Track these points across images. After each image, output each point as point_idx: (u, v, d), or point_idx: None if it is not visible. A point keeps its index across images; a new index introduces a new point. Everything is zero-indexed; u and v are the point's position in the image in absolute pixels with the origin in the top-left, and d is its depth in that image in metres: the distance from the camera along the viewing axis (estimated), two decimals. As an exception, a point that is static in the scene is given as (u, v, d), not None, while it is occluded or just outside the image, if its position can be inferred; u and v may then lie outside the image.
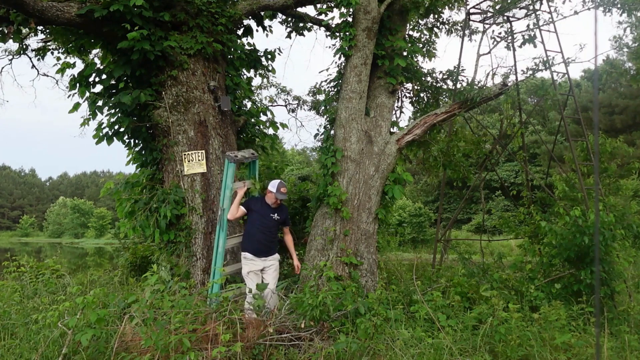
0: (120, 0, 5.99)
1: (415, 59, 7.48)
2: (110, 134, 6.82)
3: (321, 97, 9.10)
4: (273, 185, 5.75)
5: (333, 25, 7.30)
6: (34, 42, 9.29)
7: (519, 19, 9.46)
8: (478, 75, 9.98)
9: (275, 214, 5.80)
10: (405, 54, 6.97)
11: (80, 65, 9.61)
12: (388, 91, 6.84)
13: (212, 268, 5.73)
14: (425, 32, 8.91)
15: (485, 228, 16.41)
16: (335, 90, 7.59)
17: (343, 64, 7.13)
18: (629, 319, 5.75)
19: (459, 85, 8.45)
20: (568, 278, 6.24)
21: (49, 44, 8.25)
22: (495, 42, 9.50)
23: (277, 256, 5.87)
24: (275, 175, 8.46)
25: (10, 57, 9.45)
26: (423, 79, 8.30)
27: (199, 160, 6.49)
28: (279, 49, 8.38)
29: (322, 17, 7.69)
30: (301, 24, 8.96)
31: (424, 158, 7.76)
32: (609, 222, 6.16)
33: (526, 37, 8.77)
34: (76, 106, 6.79)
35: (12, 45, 9.12)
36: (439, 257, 9.85)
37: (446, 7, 8.52)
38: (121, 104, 6.41)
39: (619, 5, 8.46)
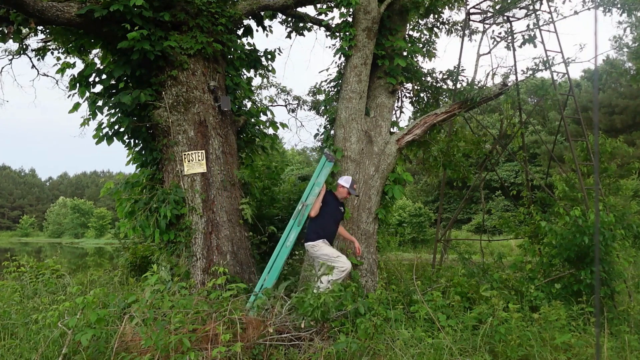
0: (120, 0, 5.99)
1: (415, 59, 7.49)
2: (110, 134, 6.82)
3: (321, 97, 9.10)
4: (347, 181, 5.88)
5: (333, 25, 7.30)
6: (34, 42, 9.30)
7: (519, 19, 9.46)
8: (478, 75, 9.98)
9: (342, 207, 6.00)
10: (405, 54, 6.97)
11: (80, 65, 9.62)
12: (388, 91, 6.84)
13: (272, 264, 5.60)
14: (425, 32, 8.92)
15: (485, 228, 16.41)
16: (335, 90, 7.59)
17: (343, 64, 7.14)
18: (629, 319, 5.75)
19: (459, 85, 8.45)
20: (568, 278, 6.24)
21: (49, 44, 8.25)
22: (495, 42, 9.51)
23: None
24: (275, 175, 8.46)
25: (10, 57, 9.45)
26: (423, 79, 8.30)
27: (199, 160, 6.49)
28: (279, 49, 8.38)
29: (322, 17, 7.69)
30: (301, 24, 8.96)
31: (424, 158, 7.76)
32: (609, 222, 6.16)
33: (526, 37, 8.78)
34: (76, 106, 6.79)
35: (12, 45, 9.12)
36: (439, 257, 9.85)
37: (446, 7, 8.52)
38: (121, 104, 6.41)
39: (619, 5, 8.46)
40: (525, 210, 9.43)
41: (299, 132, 39.56)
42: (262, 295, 5.23)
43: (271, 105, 11.45)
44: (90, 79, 6.81)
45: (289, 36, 9.08)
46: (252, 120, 7.85)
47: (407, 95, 8.45)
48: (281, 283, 5.69)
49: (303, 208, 5.72)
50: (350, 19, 6.70)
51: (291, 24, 9.01)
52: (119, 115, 6.73)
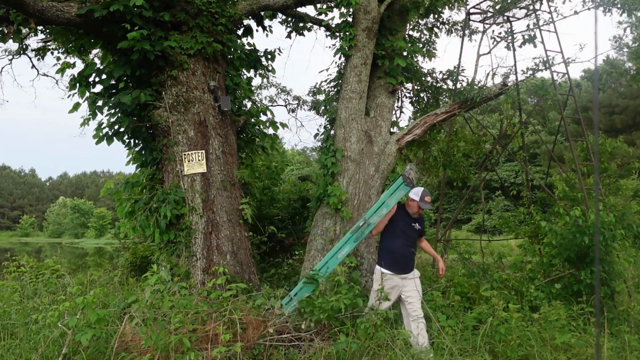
0: (120, 0, 5.99)
1: (415, 59, 7.49)
2: (110, 134, 6.82)
3: (321, 97, 9.10)
4: (416, 194, 5.14)
5: (333, 25, 7.30)
6: (34, 42, 9.28)
7: (519, 19, 9.46)
8: (478, 75, 9.99)
9: (417, 224, 5.24)
10: (405, 54, 6.97)
11: (80, 65, 9.61)
12: (388, 91, 6.84)
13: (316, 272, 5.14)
14: (425, 32, 8.92)
15: (485, 228, 16.39)
16: (335, 90, 7.59)
17: (343, 64, 7.14)
18: (629, 319, 5.75)
19: (459, 85, 8.46)
20: (568, 278, 6.24)
21: (49, 44, 8.24)
22: (495, 42, 9.51)
23: (417, 273, 5.17)
24: (275, 175, 8.46)
25: (10, 57, 9.44)
26: (423, 79, 8.30)
27: (199, 160, 6.49)
28: (279, 49, 8.38)
29: (322, 17, 7.69)
30: (301, 24, 8.95)
31: (424, 158, 7.76)
32: (609, 222, 6.16)
33: (526, 37, 8.78)
34: (76, 106, 6.79)
35: (12, 45, 9.12)
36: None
37: (446, 7, 8.52)
38: (121, 104, 6.40)
39: (619, 5, 8.45)
40: (525, 210, 9.43)
41: (299, 132, 39.62)
42: (294, 301, 4.95)
43: (271, 105, 11.46)
44: (90, 79, 6.81)
45: (289, 36, 9.08)
46: (252, 120, 7.85)
47: (407, 95, 8.46)
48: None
49: (364, 226, 5.11)
50: (350, 19, 6.70)
51: (291, 24, 9.00)
52: (119, 115, 6.72)
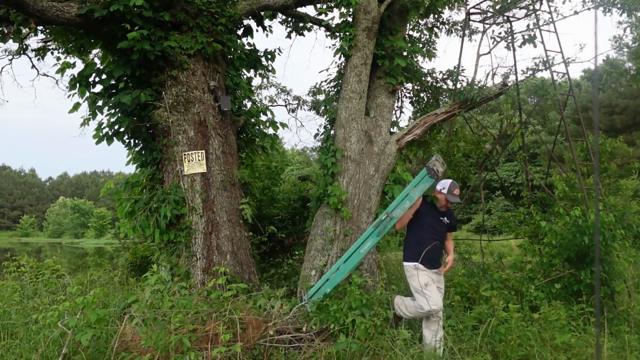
0: (120, 0, 5.99)
1: (415, 59, 7.49)
2: (110, 134, 6.82)
3: (321, 97, 9.10)
4: (444, 186, 4.89)
5: (333, 25, 7.30)
6: (34, 42, 9.28)
7: (519, 19, 9.46)
8: (478, 75, 9.98)
9: (445, 218, 5.01)
10: (405, 54, 6.97)
11: (80, 65, 9.61)
12: (388, 91, 6.84)
13: (337, 267, 5.03)
14: (425, 32, 8.92)
15: (485, 228, 16.39)
16: (335, 90, 7.59)
17: (343, 64, 7.14)
18: (629, 319, 5.75)
19: (459, 85, 8.45)
20: (568, 278, 6.24)
21: (49, 44, 8.24)
22: (495, 42, 9.50)
23: (442, 268, 4.98)
24: (275, 175, 8.46)
25: (10, 57, 9.44)
26: (423, 79, 8.30)
27: (199, 160, 6.49)
28: (279, 49, 8.38)
29: (322, 17, 7.69)
30: (301, 24, 8.95)
31: (424, 158, 7.76)
32: (609, 222, 6.16)
33: (526, 37, 8.77)
34: (76, 106, 6.79)
35: (12, 45, 9.12)
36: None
37: (446, 7, 8.52)
38: (121, 104, 6.41)
39: (619, 5, 8.45)
40: (525, 210, 9.43)
41: (299, 132, 39.61)
42: (313, 298, 4.89)
43: (271, 105, 11.46)
44: (90, 79, 6.81)
45: (289, 36, 9.08)
46: (252, 120, 7.85)
47: (407, 95, 8.46)
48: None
49: (387, 219, 4.89)
50: (350, 19, 6.70)
51: (291, 24, 9.00)
52: (119, 115, 6.72)
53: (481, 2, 9.71)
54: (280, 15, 8.73)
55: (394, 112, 7.12)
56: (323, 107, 7.92)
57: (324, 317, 4.65)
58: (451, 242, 5.24)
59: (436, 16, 8.97)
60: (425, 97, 8.61)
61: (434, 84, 8.58)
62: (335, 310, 4.62)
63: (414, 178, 5.03)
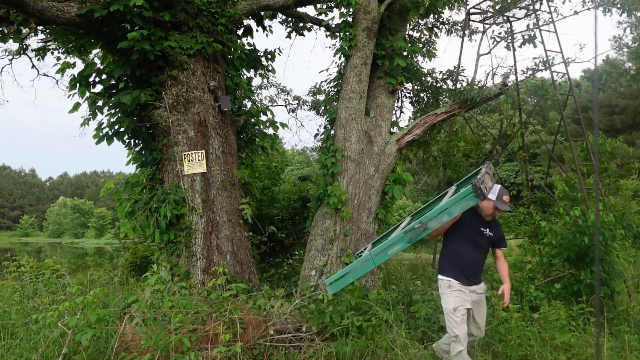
0: (120, 0, 5.99)
1: (415, 59, 7.48)
2: (110, 134, 6.82)
3: (321, 97, 9.10)
4: (493, 192, 4.28)
5: (333, 25, 7.30)
6: (34, 42, 9.27)
7: (519, 19, 9.46)
8: (478, 75, 9.99)
9: (488, 230, 4.40)
10: (405, 54, 6.97)
11: (80, 65, 9.60)
12: (388, 91, 6.84)
13: (358, 263, 4.76)
14: (425, 32, 8.91)
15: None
16: (335, 90, 7.59)
17: (343, 64, 7.14)
18: (629, 319, 5.76)
19: (459, 85, 8.45)
20: (568, 278, 6.24)
21: (49, 44, 8.24)
22: (495, 42, 9.51)
23: (484, 286, 4.44)
24: (275, 175, 8.45)
25: (10, 57, 9.44)
26: (423, 79, 8.30)
27: (199, 160, 6.49)
28: (279, 49, 8.38)
29: (322, 17, 7.69)
30: (301, 24, 8.95)
31: (424, 158, 7.77)
32: (609, 222, 6.16)
33: (526, 37, 8.77)
34: (76, 106, 6.79)
35: (12, 45, 9.11)
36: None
37: (446, 7, 8.51)
38: (121, 104, 6.41)
39: (619, 5, 8.46)
40: (525, 210, 9.43)
41: (299, 132, 39.56)
42: (329, 285, 4.68)
43: (271, 105, 11.45)
44: (90, 79, 6.80)
45: (289, 36, 9.08)
46: (252, 120, 7.85)
47: (407, 95, 8.45)
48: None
49: (420, 229, 4.38)
50: (350, 19, 6.69)
51: (291, 24, 9.00)
52: (119, 115, 6.72)
53: (481, 2, 9.71)
54: (280, 15, 8.73)
55: (394, 112, 7.12)
56: (323, 107, 7.92)
57: (322, 320, 4.64)
58: (504, 264, 4.52)
59: (436, 16, 8.97)
60: (425, 97, 8.61)
61: (434, 84, 8.58)
62: (331, 312, 4.61)
63: (458, 192, 4.46)
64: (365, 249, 5.49)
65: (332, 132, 6.83)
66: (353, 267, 4.75)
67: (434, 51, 8.39)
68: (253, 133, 7.91)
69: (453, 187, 4.86)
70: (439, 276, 4.38)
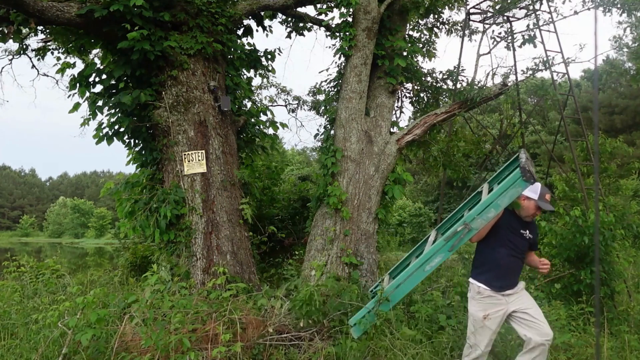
0: (120, 0, 5.99)
1: (415, 59, 7.49)
2: (110, 134, 6.82)
3: (321, 97, 9.09)
4: (534, 191, 3.92)
5: (333, 25, 7.30)
6: (34, 42, 9.27)
7: (519, 19, 9.46)
8: (478, 75, 9.96)
9: (528, 232, 4.04)
10: (405, 54, 6.97)
11: (80, 65, 9.59)
12: (388, 91, 6.84)
13: (398, 283, 4.39)
14: (425, 32, 8.91)
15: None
16: (335, 90, 7.59)
17: (343, 64, 7.13)
18: (629, 319, 5.76)
19: (459, 85, 8.45)
20: (568, 278, 6.24)
21: (49, 44, 8.24)
22: (495, 42, 9.50)
23: (523, 283, 4.06)
24: (275, 175, 8.45)
25: (10, 57, 9.43)
26: (423, 79, 8.30)
27: (199, 160, 6.50)
28: (279, 49, 8.38)
29: (322, 17, 7.69)
30: (301, 24, 8.95)
31: (424, 158, 7.76)
32: (609, 222, 6.17)
33: (526, 37, 8.77)
34: (76, 106, 6.79)
35: (12, 45, 9.11)
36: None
37: (446, 7, 8.51)
38: (121, 104, 6.41)
39: (619, 5, 8.45)
40: (525, 210, 9.41)
41: (299, 132, 39.57)
42: (372, 314, 4.37)
43: (271, 105, 11.45)
44: (90, 79, 6.81)
45: (289, 36, 9.08)
46: (252, 120, 7.85)
47: (407, 95, 8.45)
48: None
49: (464, 231, 4.03)
50: (350, 19, 6.69)
51: (291, 24, 9.00)
52: (119, 115, 6.72)
53: (481, 2, 9.71)
54: (280, 15, 8.73)
55: (394, 112, 7.12)
56: (323, 107, 7.92)
57: (296, 308, 4.63)
58: (535, 257, 4.23)
59: (436, 16, 8.96)
60: (425, 97, 8.61)
61: (434, 84, 8.58)
62: (300, 295, 4.60)
63: (503, 181, 4.07)
64: (380, 282, 5.10)
65: (332, 132, 6.83)
66: (387, 293, 4.33)
67: (434, 51, 8.40)
68: (253, 133, 7.91)
69: (485, 185, 4.60)
70: (470, 280, 4.06)
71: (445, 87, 8.67)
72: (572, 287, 6.07)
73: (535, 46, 8.62)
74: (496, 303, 3.87)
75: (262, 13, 8.20)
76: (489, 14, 9.70)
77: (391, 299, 4.38)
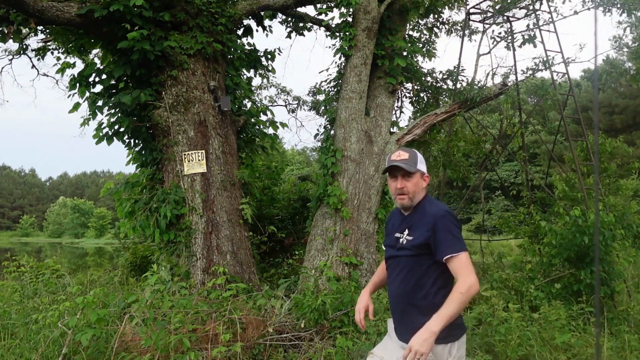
0: (120, 0, 5.99)
1: (415, 59, 7.49)
2: (110, 134, 6.82)
3: (321, 97, 9.10)
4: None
5: (333, 25, 7.31)
6: (34, 42, 9.30)
7: (519, 19, 9.46)
8: (478, 75, 9.98)
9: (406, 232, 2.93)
10: (405, 54, 6.97)
11: (80, 65, 9.61)
12: (388, 91, 6.84)
13: None
14: (425, 32, 8.92)
15: (485, 228, 16.39)
16: (335, 90, 7.59)
17: (343, 64, 7.14)
18: (629, 319, 5.75)
19: (459, 85, 8.45)
20: (568, 278, 6.24)
21: (49, 44, 8.24)
22: (495, 42, 9.50)
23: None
24: (275, 175, 8.45)
25: (10, 57, 9.44)
26: (423, 79, 8.31)
27: (199, 160, 6.49)
28: (279, 49, 8.38)
29: (322, 17, 7.69)
30: (301, 24, 8.95)
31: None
32: (609, 222, 6.16)
33: (526, 37, 8.77)
34: (76, 106, 6.79)
35: (12, 45, 9.12)
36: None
37: (446, 7, 8.52)
38: (121, 104, 6.41)
39: (618, 5, 8.45)
40: (525, 210, 9.43)
41: (299, 132, 39.54)
42: None
43: (271, 105, 11.46)
44: (90, 79, 6.80)
45: (289, 36, 9.08)
46: (252, 120, 7.85)
47: (407, 95, 8.46)
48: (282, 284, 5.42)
49: None
50: (350, 19, 6.70)
51: (291, 24, 9.00)
52: (119, 115, 6.72)
53: (481, 2, 9.71)
54: (280, 15, 8.73)
55: (394, 112, 7.12)
56: (323, 107, 7.93)
57: (302, 311, 4.64)
58: None
59: (436, 16, 8.97)
60: (425, 97, 8.61)
61: (434, 84, 8.58)
62: (308, 300, 4.60)
63: None
64: None
65: (332, 132, 6.83)
66: None
67: (434, 51, 8.40)
68: (253, 133, 7.91)
69: None
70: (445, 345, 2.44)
71: (445, 87, 8.68)
72: (572, 287, 6.06)
73: (535, 46, 8.62)
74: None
75: (262, 13, 8.20)
76: (489, 14, 9.69)
77: None
